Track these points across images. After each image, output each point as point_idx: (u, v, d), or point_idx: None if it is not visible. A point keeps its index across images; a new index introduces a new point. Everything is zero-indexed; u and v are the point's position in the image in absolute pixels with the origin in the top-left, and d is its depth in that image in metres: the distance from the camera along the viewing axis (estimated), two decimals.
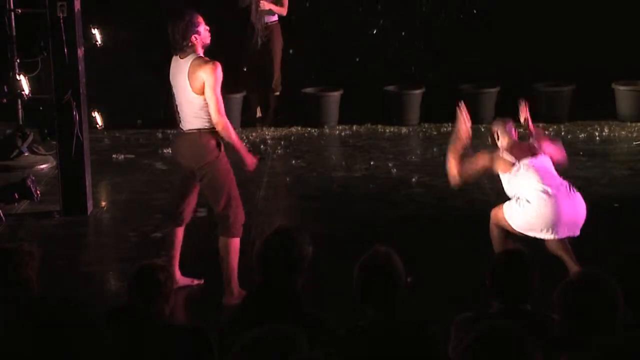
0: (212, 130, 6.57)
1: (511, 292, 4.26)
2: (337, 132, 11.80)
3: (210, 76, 6.43)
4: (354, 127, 11.88)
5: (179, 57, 6.56)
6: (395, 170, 9.98)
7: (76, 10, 8.37)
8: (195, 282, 7.04)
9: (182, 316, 5.19)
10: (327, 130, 11.81)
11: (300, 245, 4.39)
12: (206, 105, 6.50)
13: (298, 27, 12.03)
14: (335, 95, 11.88)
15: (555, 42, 11.59)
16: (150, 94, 11.88)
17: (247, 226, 6.91)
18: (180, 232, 6.87)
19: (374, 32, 12.17)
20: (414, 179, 9.59)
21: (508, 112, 11.60)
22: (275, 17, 11.49)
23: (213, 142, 6.59)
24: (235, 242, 6.67)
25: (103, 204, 9.19)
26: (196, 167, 6.65)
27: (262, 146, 11.01)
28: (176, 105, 6.75)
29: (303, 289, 4.41)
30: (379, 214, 8.52)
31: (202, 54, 6.55)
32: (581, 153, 10.46)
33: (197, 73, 6.45)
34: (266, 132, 11.59)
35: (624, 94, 11.84)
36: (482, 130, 11.59)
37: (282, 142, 11.17)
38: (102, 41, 10.46)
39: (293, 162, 10.43)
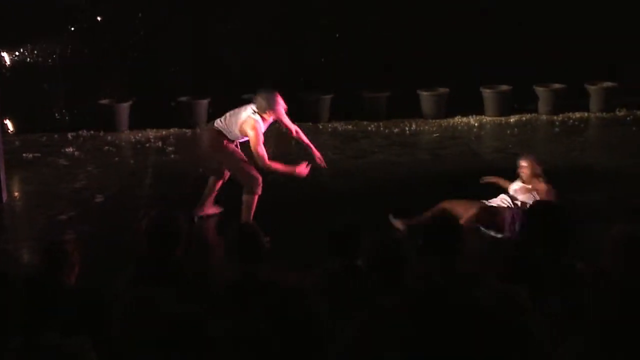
0: None
1: (346, 252, 4.38)
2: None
3: None
4: None
5: None
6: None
7: None
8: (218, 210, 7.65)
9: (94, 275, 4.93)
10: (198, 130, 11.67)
11: (177, 222, 4.41)
12: None
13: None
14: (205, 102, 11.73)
15: (374, 57, 11.80)
16: (53, 104, 11.57)
17: (137, 207, 6.70)
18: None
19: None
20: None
21: (341, 114, 11.87)
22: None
23: None
24: None
25: (16, 194, 8.86)
26: None
27: (147, 144, 10.82)
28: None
29: (183, 255, 4.39)
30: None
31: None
32: (397, 143, 10.71)
33: None
34: (149, 133, 11.37)
35: (426, 98, 12.18)
36: (320, 127, 11.74)
37: (160, 143, 10.99)
38: (10, 62, 10.06)
39: (172, 156, 10.30)
